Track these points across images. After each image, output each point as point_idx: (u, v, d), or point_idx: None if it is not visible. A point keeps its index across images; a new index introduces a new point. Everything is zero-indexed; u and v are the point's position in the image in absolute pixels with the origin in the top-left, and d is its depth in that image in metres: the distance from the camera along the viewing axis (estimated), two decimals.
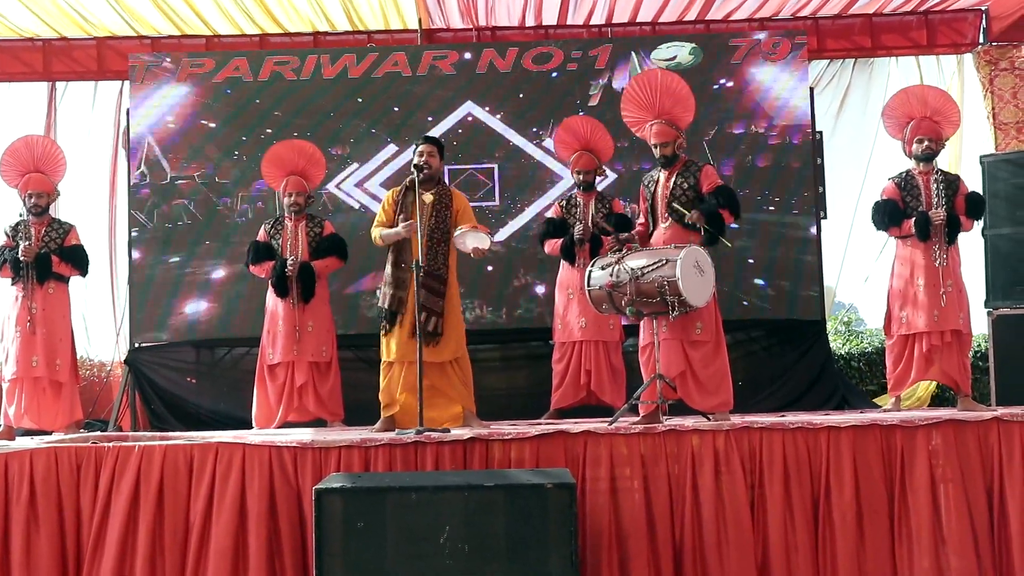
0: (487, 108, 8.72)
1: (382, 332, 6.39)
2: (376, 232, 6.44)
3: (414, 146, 6.53)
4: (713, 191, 6.07)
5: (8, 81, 9.37)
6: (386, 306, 6.32)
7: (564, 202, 7.46)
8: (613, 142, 7.50)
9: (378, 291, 6.63)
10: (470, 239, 6.16)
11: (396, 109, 8.72)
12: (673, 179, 6.12)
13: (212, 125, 8.73)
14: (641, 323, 6.08)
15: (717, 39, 8.80)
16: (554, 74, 8.71)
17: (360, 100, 8.73)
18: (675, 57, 8.67)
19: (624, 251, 5.87)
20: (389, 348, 6.35)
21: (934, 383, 7.93)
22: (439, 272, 6.31)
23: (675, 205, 6.04)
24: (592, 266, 5.98)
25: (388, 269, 6.38)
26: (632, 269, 5.67)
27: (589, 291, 5.93)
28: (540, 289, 8.46)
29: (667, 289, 5.56)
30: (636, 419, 5.82)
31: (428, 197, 6.32)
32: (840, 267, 9.29)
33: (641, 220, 6.32)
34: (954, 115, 6.89)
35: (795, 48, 8.59)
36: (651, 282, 5.61)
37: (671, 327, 5.82)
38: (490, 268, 8.49)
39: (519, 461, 5.18)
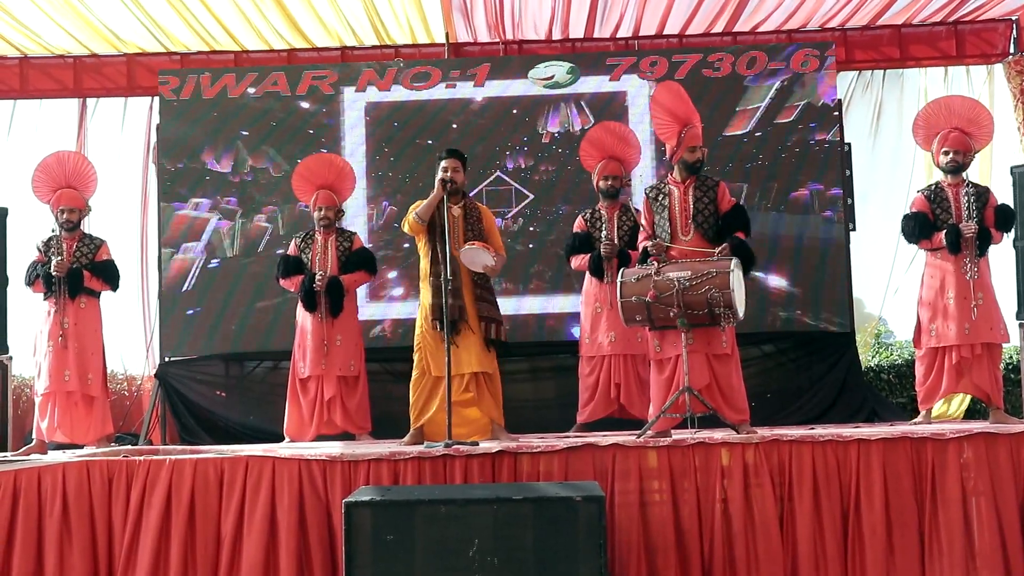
0: None
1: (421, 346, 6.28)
2: (411, 214, 6.29)
3: (438, 160, 6.40)
4: (730, 211, 6.07)
5: (40, 98, 9.46)
6: (449, 317, 6.05)
7: (588, 215, 7.41)
8: (640, 150, 7.48)
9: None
10: (479, 256, 6.09)
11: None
12: (691, 193, 6.08)
13: (240, 139, 8.80)
14: (651, 336, 6.01)
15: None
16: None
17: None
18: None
19: (654, 263, 5.84)
20: (439, 362, 6.12)
21: (967, 399, 7.85)
22: (487, 283, 6.36)
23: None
24: (623, 277, 5.87)
25: (434, 281, 6.18)
26: (680, 280, 5.66)
27: (622, 302, 5.83)
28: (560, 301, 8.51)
29: (718, 300, 5.56)
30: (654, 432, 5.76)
31: (456, 211, 6.31)
32: (888, 280, 9.18)
33: (647, 232, 6.19)
34: (987, 124, 6.81)
35: (823, 60, 8.57)
36: (700, 294, 5.60)
37: (697, 340, 5.79)
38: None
39: (548, 474, 5.19)
